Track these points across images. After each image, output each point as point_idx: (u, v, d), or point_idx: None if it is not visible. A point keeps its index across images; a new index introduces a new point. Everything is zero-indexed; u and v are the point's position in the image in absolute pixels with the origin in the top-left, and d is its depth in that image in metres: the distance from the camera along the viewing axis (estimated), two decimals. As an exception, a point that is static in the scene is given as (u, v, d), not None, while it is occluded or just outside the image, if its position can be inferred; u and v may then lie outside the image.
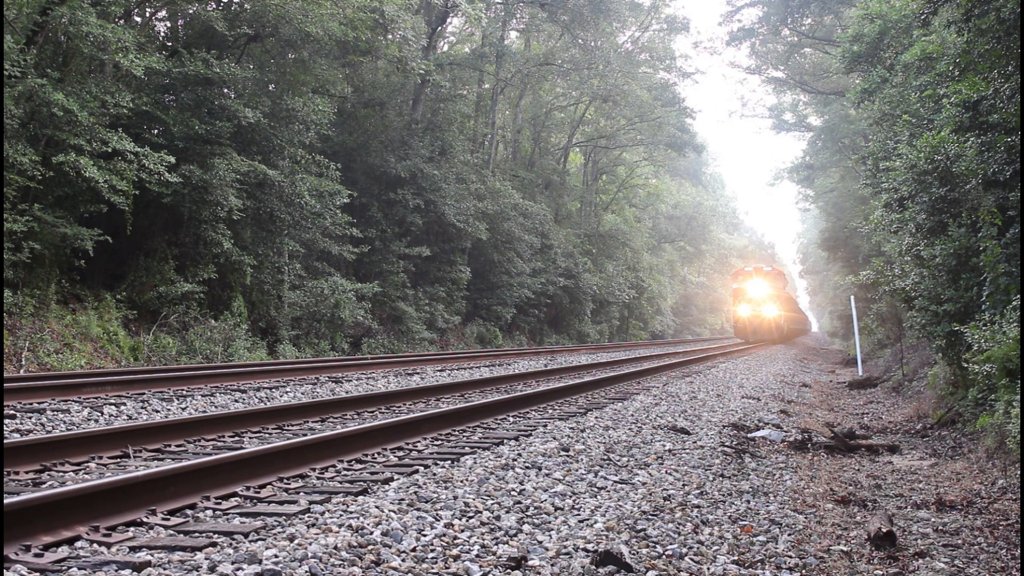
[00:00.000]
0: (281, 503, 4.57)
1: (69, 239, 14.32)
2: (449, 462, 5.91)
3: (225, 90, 18.70)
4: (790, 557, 4.30)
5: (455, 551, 3.79)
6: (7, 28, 13.35)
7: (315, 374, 13.39)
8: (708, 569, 3.95)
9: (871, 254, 23.46)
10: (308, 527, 3.97)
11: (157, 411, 8.74)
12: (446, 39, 37.31)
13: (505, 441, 6.95)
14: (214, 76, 17.28)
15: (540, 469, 5.74)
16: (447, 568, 3.57)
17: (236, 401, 9.88)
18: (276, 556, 3.47)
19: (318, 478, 5.30)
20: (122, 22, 17.04)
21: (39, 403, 8.43)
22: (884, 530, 4.69)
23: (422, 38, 26.91)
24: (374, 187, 26.29)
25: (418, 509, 4.43)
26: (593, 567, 3.72)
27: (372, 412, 9.01)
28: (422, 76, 25.88)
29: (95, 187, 14.10)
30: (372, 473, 5.47)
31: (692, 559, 4.07)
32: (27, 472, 5.28)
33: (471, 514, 4.44)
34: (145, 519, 4.07)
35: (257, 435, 7.22)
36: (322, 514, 4.26)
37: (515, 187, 34.85)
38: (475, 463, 5.84)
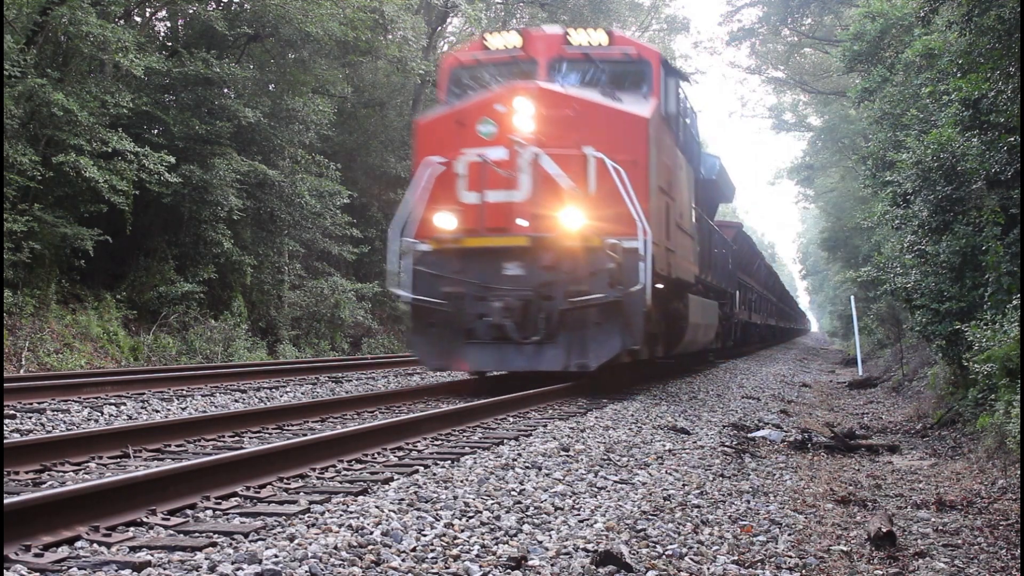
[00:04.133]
0: (281, 503, 4.56)
1: (69, 239, 14.32)
2: (449, 462, 5.91)
3: (225, 90, 18.69)
4: (790, 557, 4.30)
5: (455, 551, 3.78)
6: (7, 28, 13.35)
7: (315, 374, 13.38)
8: (708, 569, 3.95)
9: (871, 254, 23.44)
10: (308, 527, 3.97)
11: (157, 411, 8.74)
12: (446, 39, 37.26)
13: (505, 441, 6.94)
14: (214, 76, 17.27)
15: (540, 469, 5.74)
16: (447, 568, 3.57)
17: (236, 401, 9.88)
18: (276, 556, 3.46)
19: (318, 478, 5.29)
20: (122, 22, 17.04)
21: (39, 403, 8.42)
22: (884, 530, 4.69)
23: (422, 38, 26.89)
24: (374, 187, 26.27)
25: (418, 509, 4.42)
26: (593, 567, 3.71)
27: (372, 412, 9.00)
28: (422, 76, 25.85)
29: (95, 187, 14.09)
30: (372, 473, 5.47)
31: (692, 559, 4.07)
32: (27, 472, 5.27)
33: (471, 514, 4.43)
34: (145, 519, 4.07)
35: (257, 435, 7.21)
36: (322, 514, 4.25)
37: (515, 187, 34.79)
38: (475, 463, 5.84)
